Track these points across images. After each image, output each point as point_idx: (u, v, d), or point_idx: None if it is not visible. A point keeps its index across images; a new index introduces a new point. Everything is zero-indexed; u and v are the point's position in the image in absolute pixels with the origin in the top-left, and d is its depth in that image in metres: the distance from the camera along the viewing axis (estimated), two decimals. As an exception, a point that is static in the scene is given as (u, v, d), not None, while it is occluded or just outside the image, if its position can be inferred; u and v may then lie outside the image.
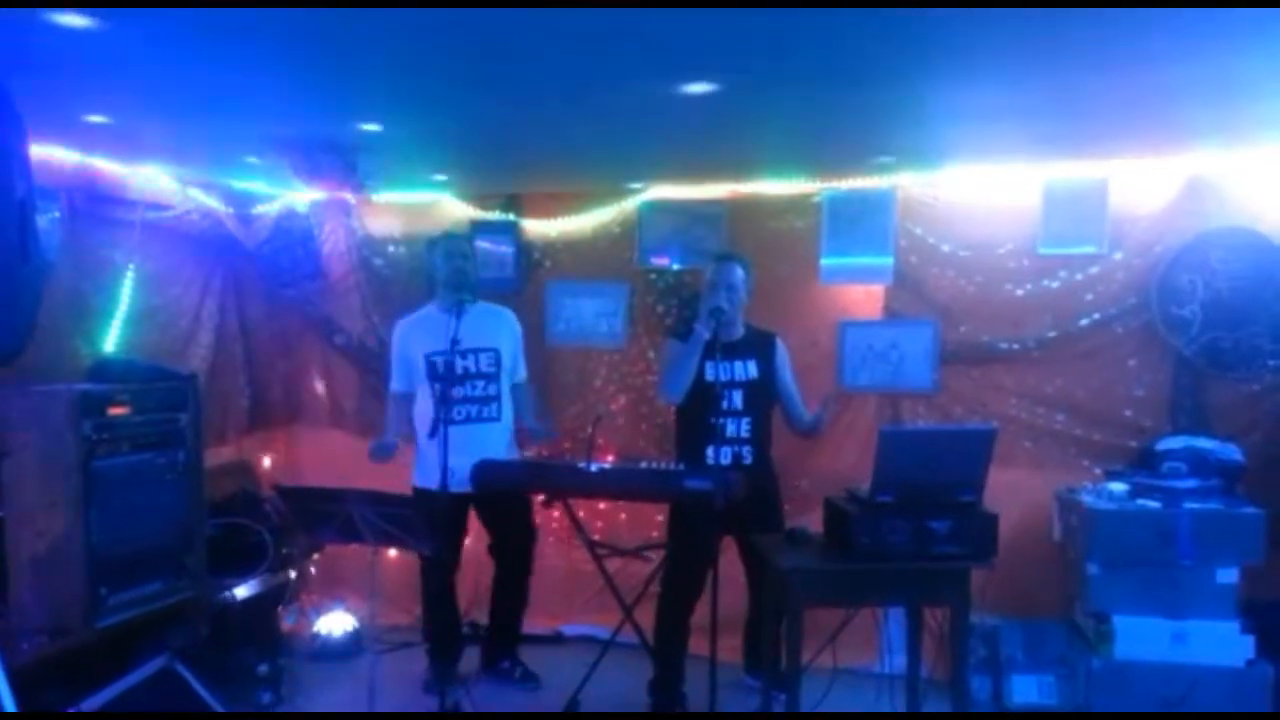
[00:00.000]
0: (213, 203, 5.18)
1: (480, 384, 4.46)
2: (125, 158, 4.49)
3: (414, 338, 4.49)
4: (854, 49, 2.85)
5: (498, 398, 4.50)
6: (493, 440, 4.44)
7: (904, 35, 2.71)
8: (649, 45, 2.81)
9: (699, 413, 4.02)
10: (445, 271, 4.48)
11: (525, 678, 4.68)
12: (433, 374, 4.40)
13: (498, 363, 4.50)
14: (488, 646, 4.80)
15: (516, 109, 3.60)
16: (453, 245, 4.58)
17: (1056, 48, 2.81)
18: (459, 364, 4.37)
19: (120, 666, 3.59)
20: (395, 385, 4.57)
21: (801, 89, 3.30)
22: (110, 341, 4.49)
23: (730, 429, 4.12)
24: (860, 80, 3.18)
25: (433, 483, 3.99)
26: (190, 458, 4.08)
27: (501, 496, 4.38)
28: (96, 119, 3.68)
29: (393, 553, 3.75)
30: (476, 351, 4.44)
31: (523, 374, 4.70)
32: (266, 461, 5.67)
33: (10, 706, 2.99)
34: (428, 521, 3.54)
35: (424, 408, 4.43)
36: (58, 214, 4.13)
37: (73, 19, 2.52)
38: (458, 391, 4.36)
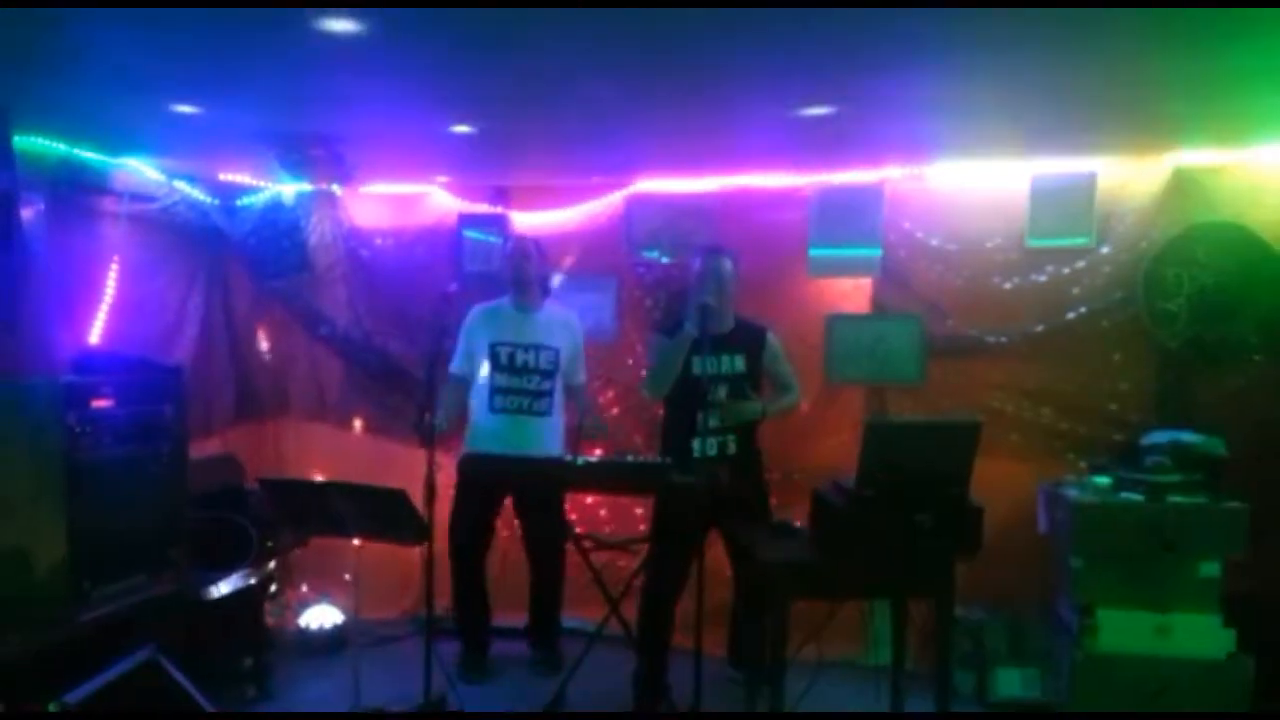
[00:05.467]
0: (198, 194, 5.15)
1: (536, 379, 4.60)
2: (111, 149, 4.47)
3: (483, 326, 4.64)
4: (851, 45, 2.86)
5: (550, 394, 4.62)
6: (541, 434, 4.57)
7: (894, 32, 2.71)
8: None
9: (684, 406, 4.02)
10: (509, 277, 4.66)
11: (540, 663, 4.78)
12: (495, 362, 4.58)
13: (556, 362, 4.63)
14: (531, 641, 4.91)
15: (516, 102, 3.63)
16: (517, 253, 4.66)
17: (1045, 44, 2.82)
18: (520, 357, 4.57)
19: (104, 659, 3.56)
20: (455, 368, 4.68)
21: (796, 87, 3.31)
22: (95, 333, 4.46)
23: (715, 422, 4.11)
24: (849, 78, 3.18)
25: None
26: (175, 450, 4.07)
27: (536, 490, 4.49)
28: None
29: (356, 542, 3.73)
30: (538, 348, 4.61)
31: (582, 378, 4.80)
32: (251, 454, 5.62)
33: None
34: (411, 513, 3.52)
35: (481, 390, 4.62)
36: (42, 205, 4.10)
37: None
38: (514, 382, 4.55)
